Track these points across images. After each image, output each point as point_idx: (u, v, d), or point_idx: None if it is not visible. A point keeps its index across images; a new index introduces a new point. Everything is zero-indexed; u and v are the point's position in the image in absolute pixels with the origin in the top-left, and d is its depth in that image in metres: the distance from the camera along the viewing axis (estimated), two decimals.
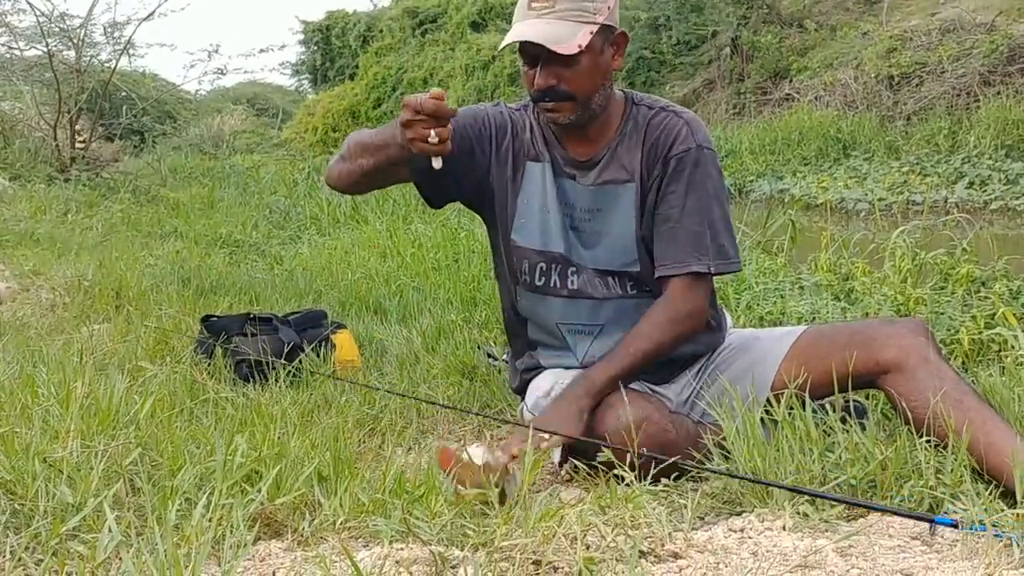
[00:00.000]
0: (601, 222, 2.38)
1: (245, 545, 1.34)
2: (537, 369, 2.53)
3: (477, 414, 2.63)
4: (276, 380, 2.87)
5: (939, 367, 2.08)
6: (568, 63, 2.22)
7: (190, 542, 1.33)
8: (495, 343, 3.39)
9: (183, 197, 9.56)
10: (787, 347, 2.32)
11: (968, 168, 9.84)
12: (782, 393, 2.16)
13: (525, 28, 2.23)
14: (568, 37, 2.20)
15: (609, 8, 2.26)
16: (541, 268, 2.43)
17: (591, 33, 2.21)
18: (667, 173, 2.32)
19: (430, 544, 1.43)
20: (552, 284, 2.43)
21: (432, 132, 2.01)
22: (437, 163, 2.05)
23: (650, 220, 2.35)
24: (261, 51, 21.22)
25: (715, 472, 1.97)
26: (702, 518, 1.91)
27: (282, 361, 2.96)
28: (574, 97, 2.28)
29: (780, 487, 1.81)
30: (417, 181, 2.46)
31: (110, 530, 1.25)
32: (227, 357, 3.05)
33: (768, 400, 2.19)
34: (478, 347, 3.25)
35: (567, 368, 2.45)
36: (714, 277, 2.40)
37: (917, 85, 12.31)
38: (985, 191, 9.21)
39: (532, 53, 2.24)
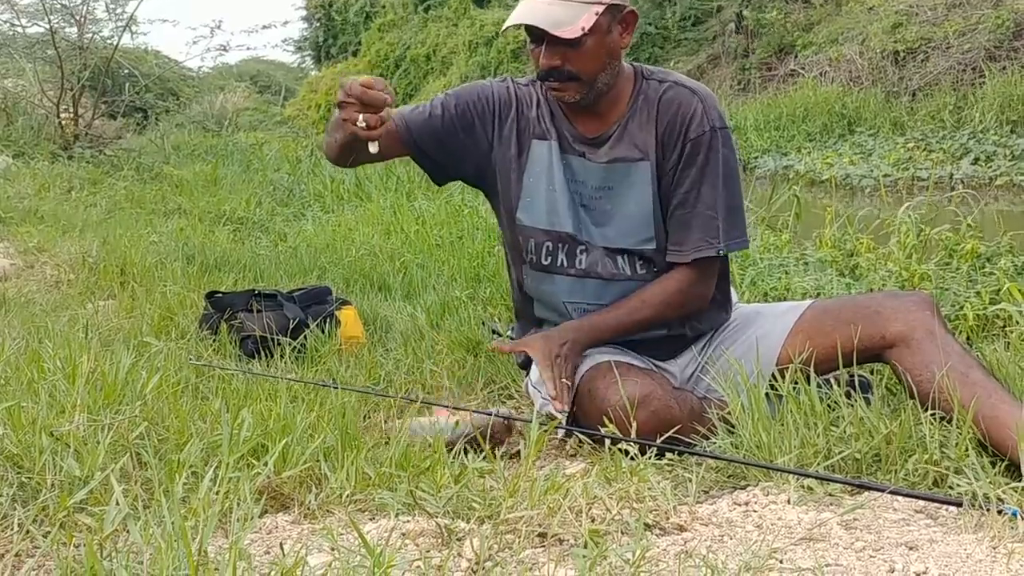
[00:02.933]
0: (613, 200, 2.38)
1: (252, 518, 1.34)
2: None
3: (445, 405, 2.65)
4: (281, 356, 2.88)
5: (945, 341, 2.08)
6: (572, 45, 2.22)
7: (197, 515, 1.34)
8: (499, 319, 3.39)
9: (186, 174, 9.51)
10: (792, 322, 2.32)
11: (973, 144, 9.81)
12: (787, 368, 2.16)
13: (528, 9, 2.24)
14: (571, 20, 2.19)
15: None
16: (548, 247, 2.43)
17: (596, 14, 2.21)
18: (683, 156, 2.32)
19: (436, 516, 1.44)
20: (560, 263, 2.43)
21: (360, 117, 2.03)
22: (373, 147, 2.09)
23: (668, 199, 2.36)
24: (264, 27, 21.04)
25: (711, 457, 1.97)
26: (707, 491, 1.91)
27: (287, 338, 2.97)
28: (579, 78, 2.27)
29: (777, 469, 1.81)
30: (417, 158, 2.48)
31: (117, 503, 1.25)
32: (232, 333, 3.05)
33: (773, 375, 2.19)
34: (483, 323, 3.24)
35: None
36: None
37: (923, 60, 12.25)
38: (990, 167, 9.19)
39: (537, 32, 2.24)
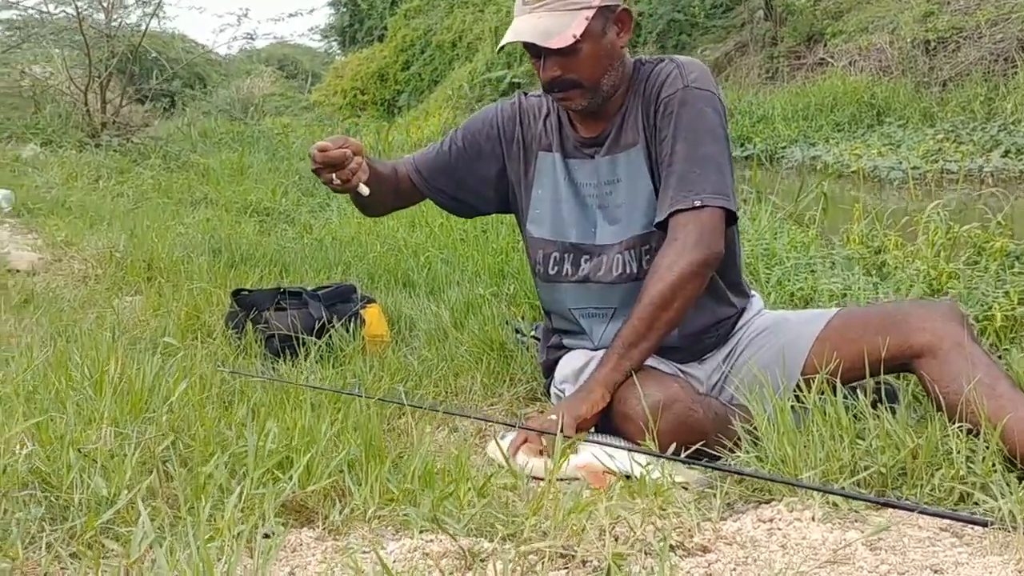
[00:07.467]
0: (622, 192, 2.39)
1: (277, 548, 1.34)
2: (562, 349, 2.54)
3: (485, 419, 2.64)
4: (306, 357, 2.89)
5: (973, 352, 2.06)
6: (568, 53, 2.24)
7: (223, 534, 1.34)
8: (523, 318, 3.39)
9: (213, 163, 9.57)
10: (818, 330, 2.31)
11: (1004, 136, 9.69)
12: (813, 377, 2.14)
13: (519, 25, 2.27)
14: (561, 29, 2.21)
15: None
16: (555, 258, 2.46)
17: (587, 19, 2.22)
18: (658, 119, 2.31)
19: (458, 539, 1.43)
20: (564, 272, 2.45)
21: (333, 176, 2.20)
22: (364, 190, 2.26)
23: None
24: (291, 15, 21.16)
25: (736, 473, 1.95)
26: (731, 505, 1.90)
27: (312, 338, 2.98)
28: (581, 84, 2.29)
29: (805, 487, 1.79)
30: (434, 199, 2.63)
31: (143, 528, 1.26)
32: (258, 332, 3.06)
33: (798, 385, 2.18)
34: (506, 322, 3.24)
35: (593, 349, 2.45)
36: (734, 232, 2.38)
37: (954, 50, 12.12)
38: (1021, 160, 9.07)
39: (533, 47, 2.26)
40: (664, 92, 2.30)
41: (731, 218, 2.28)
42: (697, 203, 2.20)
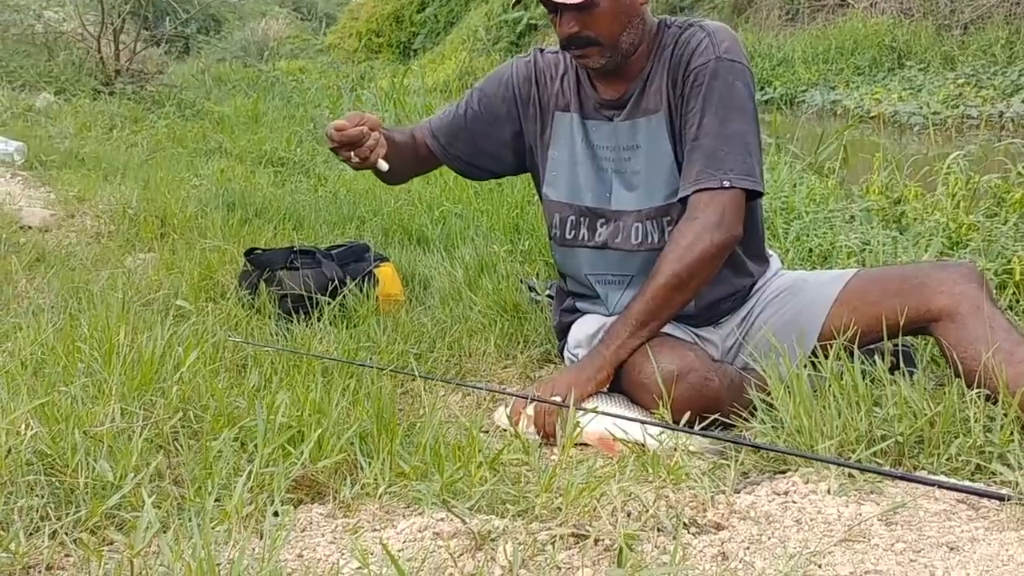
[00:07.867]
0: (640, 159, 2.34)
1: (288, 528, 1.33)
2: (576, 313, 2.52)
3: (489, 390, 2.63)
4: (319, 318, 2.87)
5: (991, 316, 2.04)
6: (586, 9, 2.18)
7: (230, 517, 1.33)
8: (537, 276, 3.36)
9: (227, 110, 9.50)
10: (836, 293, 2.28)
11: None
12: (830, 342, 2.11)
13: None
14: None
15: None
16: (571, 221, 2.42)
17: None
18: (687, 89, 2.25)
19: (468, 523, 1.42)
20: (581, 237, 2.42)
21: (352, 155, 2.17)
22: (383, 165, 2.22)
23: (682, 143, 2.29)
24: None
25: (751, 446, 1.92)
26: (745, 475, 1.88)
27: (325, 298, 2.96)
28: (599, 42, 2.23)
29: (821, 460, 1.77)
30: (451, 165, 2.60)
31: (148, 519, 1.24)
32: (271, 292, 3.04)
33: (814, 350, 2.15)
34: (520, 281, 3.21)
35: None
36: (757, 204, 2.36)
37: None
38: None
39: (550, 2, 2.20)
40: (694, 62, 2.24)
41: (755, 193, 2.25)
42: (726, 183, 2.17)
